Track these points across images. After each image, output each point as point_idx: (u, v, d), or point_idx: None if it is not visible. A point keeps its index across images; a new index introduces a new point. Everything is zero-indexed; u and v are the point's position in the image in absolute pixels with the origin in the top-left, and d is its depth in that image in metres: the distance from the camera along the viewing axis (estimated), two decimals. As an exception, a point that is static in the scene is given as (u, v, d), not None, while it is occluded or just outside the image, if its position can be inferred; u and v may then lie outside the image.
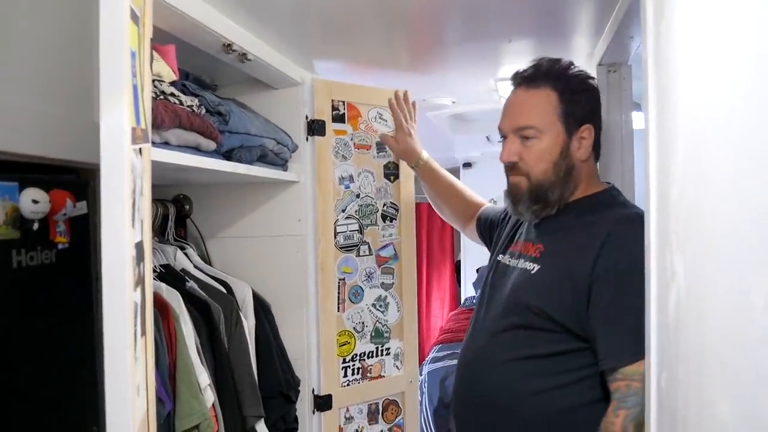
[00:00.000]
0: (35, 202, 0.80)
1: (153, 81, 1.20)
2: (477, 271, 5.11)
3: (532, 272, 1.20)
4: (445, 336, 3.52)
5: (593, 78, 1.31)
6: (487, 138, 3.94)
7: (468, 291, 5.18)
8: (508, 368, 1.17)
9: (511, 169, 1.25)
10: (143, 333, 0.83)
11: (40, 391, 0.84)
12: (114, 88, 0.66)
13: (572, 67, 1.27)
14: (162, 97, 1.23)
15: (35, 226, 0.81)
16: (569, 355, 1.13)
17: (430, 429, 2.80)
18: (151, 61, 0.91)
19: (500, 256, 1.37)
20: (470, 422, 1.25)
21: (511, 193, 1.27)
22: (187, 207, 1.88)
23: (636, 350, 0.99)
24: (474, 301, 4.76)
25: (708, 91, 0.59)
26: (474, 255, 5.23)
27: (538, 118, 1.22)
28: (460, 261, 5.38)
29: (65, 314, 0.90)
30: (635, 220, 1.13)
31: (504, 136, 1.27)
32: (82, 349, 0.93)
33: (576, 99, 1.24)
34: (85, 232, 0.93)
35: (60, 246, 0.87)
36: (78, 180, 0.93)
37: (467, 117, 3.41)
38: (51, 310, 0.87)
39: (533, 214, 1.25)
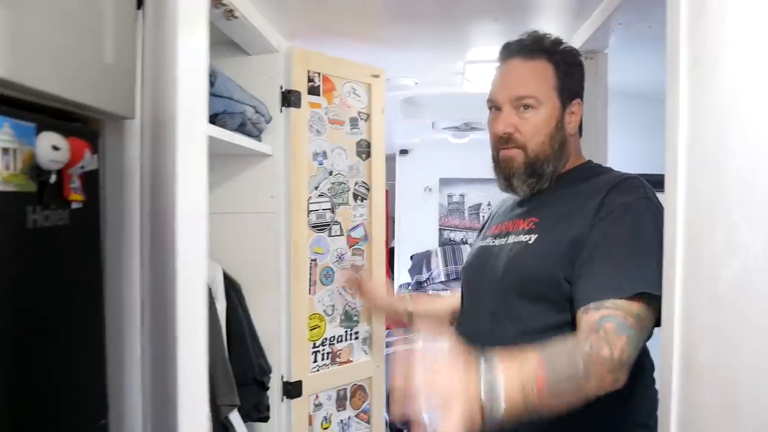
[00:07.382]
0: (56, 149, 0.66)
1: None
2: (411, 258, 5.12)
3: (530, 242, 1.16)
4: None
5: (581, 54, 1.31)
6: (432, 124, 3.93)
7: (401, 278, 5.18)
8: (518, 347, 1.12)
9: (505, 141, 1.21)
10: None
11: (45, 381, 0.71)
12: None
13: (563, 42, 1.26)
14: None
15: (52, 178, 0.67)
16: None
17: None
18: None
19: (481, 242, 1.33)
20: None
21: (504, 167, 1.23)
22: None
23: (629, 287, 0.95)
24: (409, 287, 4.76)
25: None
26: (408, 242, 5.24)
27: (537, 88, 1.19)
28: (393, 248, 5.36)
29: (75, 290, 0.76)
30: (631, 177, 1.13)
31: (496, 108, 1.23)
32: (90, 336, 0.79)
33: (570, 72, 1.23)
34: (96, 191, 0.79)
35: (74, 205, 0.73)
36: (89, 129, 0.79)
37: (418, 101, 3.37)
38: (61, 287, 0.73)
39: (529, 188, 1.22)
